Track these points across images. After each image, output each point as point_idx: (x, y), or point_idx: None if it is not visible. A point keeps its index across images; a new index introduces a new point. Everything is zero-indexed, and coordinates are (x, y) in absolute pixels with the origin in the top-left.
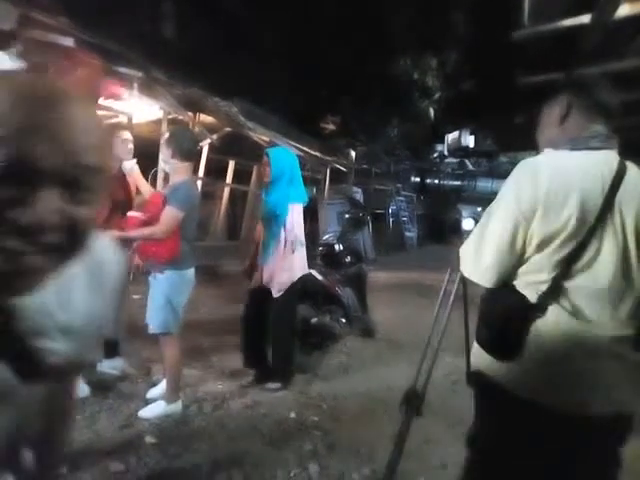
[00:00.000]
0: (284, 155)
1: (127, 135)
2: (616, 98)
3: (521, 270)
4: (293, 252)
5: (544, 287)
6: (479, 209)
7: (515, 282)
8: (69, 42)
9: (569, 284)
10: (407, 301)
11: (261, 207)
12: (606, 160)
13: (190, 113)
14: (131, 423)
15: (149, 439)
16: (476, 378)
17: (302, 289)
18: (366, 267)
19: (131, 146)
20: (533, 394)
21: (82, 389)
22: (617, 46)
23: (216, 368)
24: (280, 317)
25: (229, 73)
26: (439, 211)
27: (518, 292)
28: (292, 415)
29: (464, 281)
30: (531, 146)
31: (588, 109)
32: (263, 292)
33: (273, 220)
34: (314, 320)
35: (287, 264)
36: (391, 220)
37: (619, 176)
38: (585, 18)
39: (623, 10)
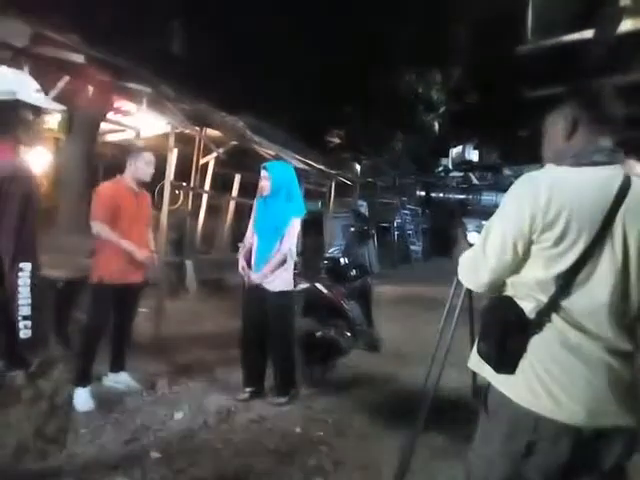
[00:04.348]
0: (283, 169)
1: (150, 157)
2: (621, 111)
3: (521, 283)
4: (286, 265)
5: (543, 301)
6: (484, 222)
7: (514, 295)
8: (79, 59)
9: (567, 299)
10: (412, 314)
11: (257, 218)
12: (610, 175)
13: (197, 128)
14: (136, 437)
15: (154, 454)
16: (481, 390)
17: (307, 302)
18: (371, 280)
19: (152, 168)
20: (533, 405)
21: (87, 403)
22: (619, 61)
23: (221, 382)
24: (277, 329)
25: (236, 88)
26: (444, 224)
27: (517, 306)
28: (297, 430)
29: (470, 294)
30: (535, 160)
31: (594, 123)
32: (258, 306)
33: (270, 233)
34: (319, 334)
35: (279, 275)
36: (396, 233)
37: (623, 192)
38: (588, 33)
39: (625, 26)
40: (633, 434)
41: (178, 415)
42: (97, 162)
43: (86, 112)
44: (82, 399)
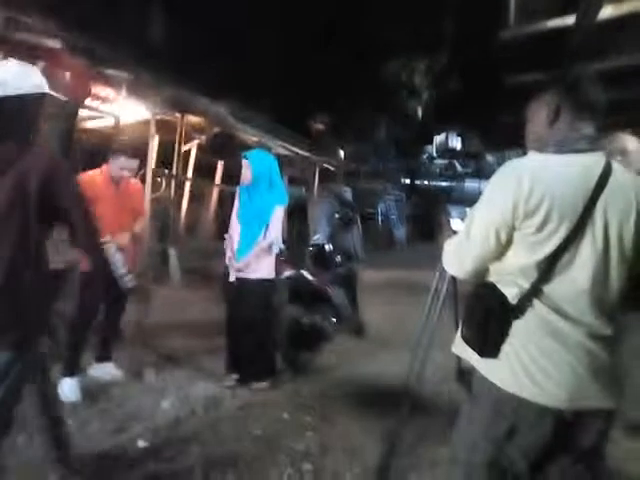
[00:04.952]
0: (264, 158)
1: (125, 162)
2: (603, 97)
3: (504, 270)
4: (271, 253)
5: (525, 286)
6: (467, 209)
7: (498, 281)
8: (56, 44)
9: (550, 284)
10: (397, 300)
11: (240, 208)
12: (591, 162)
13: (178, 114)
14: (123, 427)
15: (141, 443)
16: (465, 373)
17: (292, 289)
18: (356, 266)
19: (126, 172)
20: (516, 388)
21: (73, 394)
22: (601, 46)
23: (207, 369)
24: (259, 315)
25: (218, 74)
26: (428, 211)
27: (500, 292)
28: (284, 416)
29: (454, 280)
30: (518, 146)
31: (576, 109)
32: (241, 293)
33: (253, 222)
34: (304, 320)
35: (262, 263)
36: (380, 219)
37: (604, 179)
38: (569, 19)
39: (606, 12)
40: (610, 414)
41: (165, 404)
42: (76, 149)
43: (64, 99)
44: (69, 389)
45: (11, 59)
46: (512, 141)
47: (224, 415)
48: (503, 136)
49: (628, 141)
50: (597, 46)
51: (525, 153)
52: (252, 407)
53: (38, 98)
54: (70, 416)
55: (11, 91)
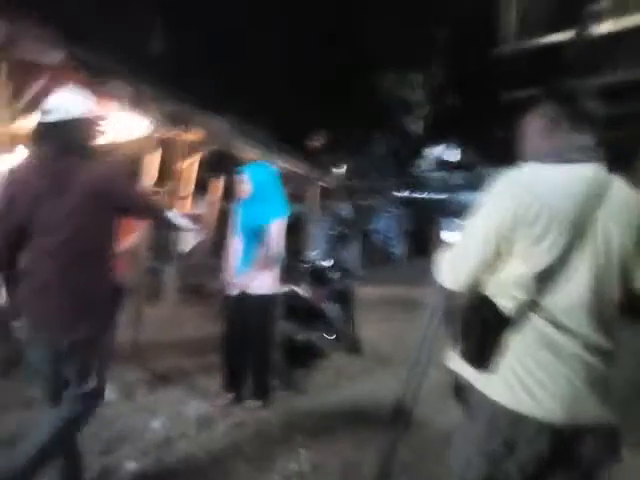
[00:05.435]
0: (264, 171)
1: None
2: (601, 110)
3: (500, 282)
4: (272, 267)
5: (522, 299)
6: (464, 221)
7: (494, 293)
8: (56, 59)
9: (547, 296)
10: (393, 316)
11: (239, 221)
12: (589, 174)
13: (179, 129)
14: (112, 448)
15: (130, 464)
16: (461, 388)
17: (288, 305)
18: (353, 283)
19: None
20: (512, 402)
21: None
22: (599, 61)
23: (200, 388)
24: (258, 333)
25: (218, 89)
26: (424, 225)
27: (496, 305)
28: (278, 434)
29: (451, 294)
30: (513, 160)
31: (573, 120)
32: (241, 311)
33: (253, 235)
34: (300, 337)
35: (263, 278)
36: (377, 235)
37: (601, 190)
38: (566, 35)
39: (603, 27)
40: (612, 431)
41: (155, 424)
42: None
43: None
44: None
45: (66, 88)
46: (507, 155)
47: (216, 435)
48: (499, 150)
49: None
50: (594, 61)
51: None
52: (245, 426)
53: (88, 120)
54: None
55: (65, 115)
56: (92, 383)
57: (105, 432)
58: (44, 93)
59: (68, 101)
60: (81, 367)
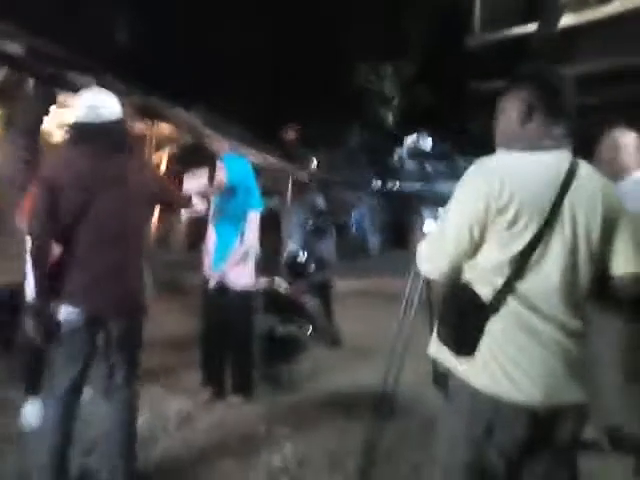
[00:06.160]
0: (240, 163)
1: None
2: (574, 99)
3: (477, 268)
4: (248, 260)
5: (499, 284)
6: (440, 210)
7: (471, 279)
8: (19, 50)
9: (522, 281)
10: (371, 307)
11: (214, 214)
12: (559, 160)
13: (148, 122)
14: (94, 448)
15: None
16: (441, 375)
17: (266, 299)
18: (330, 275)
19: None
20: (492, 386)
21: (36, 416)
22: (561, 52)
23: (180, 384)
24: (238, 327)
25: (189, 82)
26: (400, 216)
27: (473, 290)
28: (260, 429)
29: (428, 282)
30: (485, 150)
31: (549, 109)
32: (219, 305)
33: (229, 228)
34: (279, 330)
35: (241, 271)
36: (353, 227)
37: (570, 176)
38: (531, 27)
39: (566, 20)
40: (583, 408)
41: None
42: (39, 162)
43: (27, 106)
44: (31, 412)
45: (94, 88)
46: (479, 145)
47: (199, 431)
48: (470, 138)
49: (624, 136)
50: (558, 52)
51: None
52: (228, 422)
53: (123, 122)
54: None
55: (110, 116)
56: (138, 368)
57: (86, 432)
58: (8, 84)
59: (108, 102)
60: (134, 351)
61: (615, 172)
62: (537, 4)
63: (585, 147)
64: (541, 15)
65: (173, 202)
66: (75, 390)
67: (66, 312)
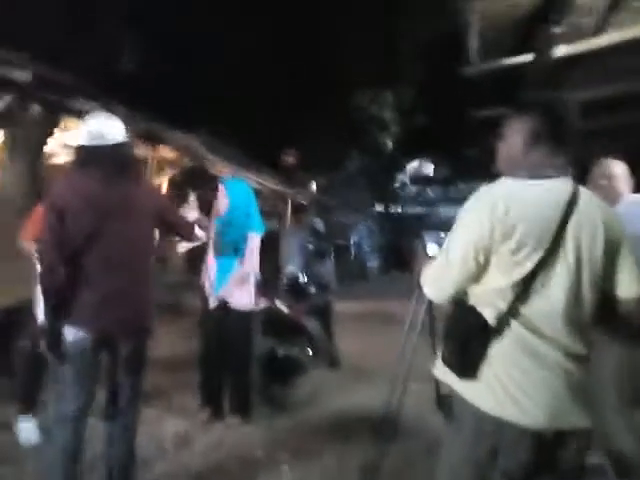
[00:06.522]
0: (241, 187)
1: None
2: (577, 123)
3: (481, 292)
4: (249, 283)
5: (503, 308)
6: (442, 234)
7: (476, 303)
8: (25, 77)
9: (526, 305)
10: (371, 330)
11: (215, 237)
12: (561, 187)
13: (150, 147)
14: (89, 469)
15: None
16: (445, 398)
17: (266, 321)
18: (330, 297)
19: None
20: (496, 409)
21: (35, 435)
22: (556, 82)
23: (178, 406)
24: (238, 349)
25: (190, 107)
26: (401, 239)
27: (478, 313)
28: (259, 452)
29: (431, 306)
30: (483, 176)
31: (554, 136)
32: (219, 326)
33: (230, 251)
34: (279, 352)
35: (241, 293)
36: (353, 250)
37: (572, 203)
38: (527, 57)
39: (560, 50)
40: (587, 433)
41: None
42: (42, 184)
43: (31, 132)
44: (26, 431)
45: (99, 113)
46: (477, 171)
47: (196, 454)
48: (471, 164)
49: (614, 166)
50: (553, 81)
51: (492, 181)
52: (225, 444)
53: (129, 145)
54: (30, 459)
55: (116, 139)
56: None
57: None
58: (12, 109)
59: (113, 126)
60: (139, 372)
61: (608, 197)
62: (531, 36)
63: (579, 172)
64: (535, 46)
65: (177, 226)
66: (83, 411)
67: (74, 333)
